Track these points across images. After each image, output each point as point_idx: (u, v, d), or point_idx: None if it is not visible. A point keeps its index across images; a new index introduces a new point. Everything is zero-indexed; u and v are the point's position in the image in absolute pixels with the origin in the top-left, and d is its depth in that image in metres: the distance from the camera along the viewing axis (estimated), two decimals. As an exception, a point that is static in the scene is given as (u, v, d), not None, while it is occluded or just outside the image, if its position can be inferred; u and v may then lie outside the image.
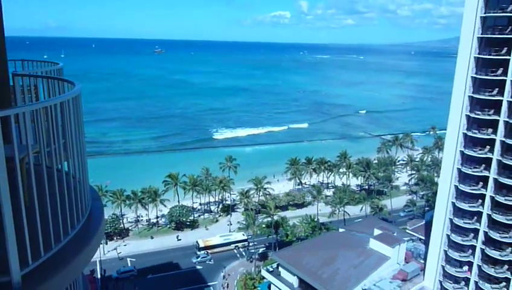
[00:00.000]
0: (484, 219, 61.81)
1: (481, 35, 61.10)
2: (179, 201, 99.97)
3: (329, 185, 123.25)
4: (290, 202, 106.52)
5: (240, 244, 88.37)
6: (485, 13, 60.45)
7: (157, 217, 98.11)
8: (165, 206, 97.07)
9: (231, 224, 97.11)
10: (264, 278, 71.97)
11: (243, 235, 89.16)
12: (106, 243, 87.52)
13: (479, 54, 61.59)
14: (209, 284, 77.33)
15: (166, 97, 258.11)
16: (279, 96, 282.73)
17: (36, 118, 4.92)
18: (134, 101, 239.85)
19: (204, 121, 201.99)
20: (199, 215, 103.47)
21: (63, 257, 4.71)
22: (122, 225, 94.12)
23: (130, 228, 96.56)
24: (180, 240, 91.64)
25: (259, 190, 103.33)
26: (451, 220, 65.67)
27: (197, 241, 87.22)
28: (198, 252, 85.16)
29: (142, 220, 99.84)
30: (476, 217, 63.23)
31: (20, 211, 4.35)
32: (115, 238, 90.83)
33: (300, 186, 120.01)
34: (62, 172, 5.26)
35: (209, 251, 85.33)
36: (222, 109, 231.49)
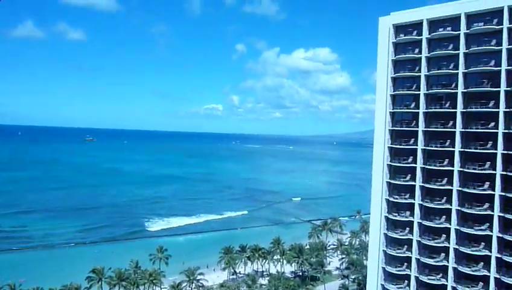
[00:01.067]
0: (412, 300, 62.94)
1: (392, 128, 67.63)
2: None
3: (264, 273, 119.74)
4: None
5: None
6: (393, 109, 67.67)
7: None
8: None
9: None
10: None
11: None
12: None
13: (391, 144, 67.57)
14: None
15: (95, 186, 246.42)
16: (213, 183, 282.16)
17: None
18: (61, 190, 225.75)
19: (136, 210, 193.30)
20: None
21: None
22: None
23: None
24: None
25: (192, 282, 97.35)
26: (382, 302, 65.99)
27: None
28: None
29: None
30: (405, 298, 64.22)
31: None
32: None
33: (234, 276, 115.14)
34: None
35: None
36: (155, 198, 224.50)
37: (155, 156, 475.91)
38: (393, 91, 67.15)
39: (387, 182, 67.57)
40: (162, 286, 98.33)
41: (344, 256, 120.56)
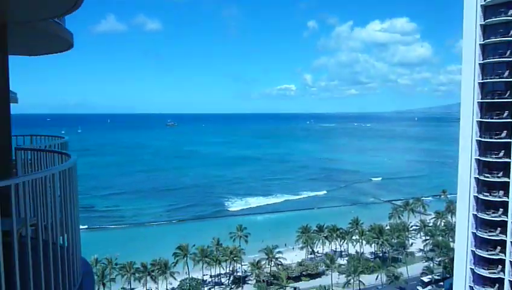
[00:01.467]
0: (506, 285, 58.45)
1: (481, 100, 62.20)
2: (188, 273, 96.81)
3: (343, 253, 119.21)
4: (303, 272, 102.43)
5: None
6: (482, 80, 62.08)
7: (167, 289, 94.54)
8: (175, 279, 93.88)
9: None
10: None
11: None
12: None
13: (481, 118, 62.27)
14: None
15: (177, 168, 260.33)
16: (289, 164, 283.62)
17: (29, 191, 4.89)
18: (147, 173, 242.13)
19: (215, 190, 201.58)
20: (209, 289, 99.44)
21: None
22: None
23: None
24: None
25: (271, 260, 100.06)
26: (471, 288, 62.19)
27: None
28: None
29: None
30: (497, 285, 59.86)
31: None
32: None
33: (312, 255, 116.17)
34: (49, 244, 5.10)
35: None
36: (233, 178, 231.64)
37: (231, 138, 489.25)
38: (483, 59, 61.42)
39: (476, 159, 62.67)
40: (242, 263, 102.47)
41: (428, 238, 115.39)
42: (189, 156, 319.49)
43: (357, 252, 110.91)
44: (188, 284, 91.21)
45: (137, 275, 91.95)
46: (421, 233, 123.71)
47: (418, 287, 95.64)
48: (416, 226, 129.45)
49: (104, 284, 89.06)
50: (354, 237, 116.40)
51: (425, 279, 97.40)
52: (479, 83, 61.54)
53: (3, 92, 7.15)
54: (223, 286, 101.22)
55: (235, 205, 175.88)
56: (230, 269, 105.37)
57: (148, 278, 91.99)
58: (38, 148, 8.20)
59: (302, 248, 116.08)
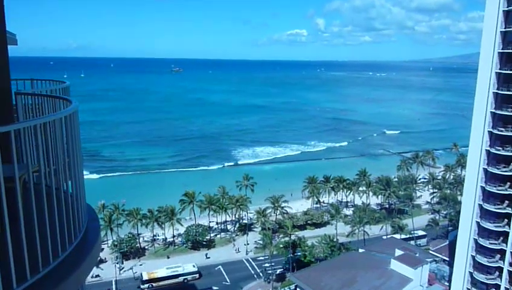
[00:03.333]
0: (511, 239, 59.73)
1: (502, 50, 60.22)
2: (195, 220, 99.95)
3: (349, 204, 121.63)
4: (308, 221, 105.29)
5: (189, 277, 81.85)
6: (505, 28, 59.70)
7: (173, 237, 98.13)
8: (182, 225, 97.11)
9: (248, 244, 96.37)
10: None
11: (193, 266, 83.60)
12: (122, 263, 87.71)
13: (500, 69, 60.61)
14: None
15: (183, 115, 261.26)
16: (298, 113, 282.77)
17: (30, 136, 4.91)
18: (152, 119, 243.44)
19: (221, 139, 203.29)
20: (215, 235, 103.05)
21: (51, 280, 4.61)
22: (138, 244, 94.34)
23: (146, 247, 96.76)
24: (209, 258, 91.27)
25: (277, 209, 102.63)
26: (476, 240, 63.70)
27: (140, 274, 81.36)
28: (142, 286, 79.18)
29: (158, 239, 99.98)
30: (502, 238, 61.17)
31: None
32: (131, 257, 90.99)
33: (318, 205, 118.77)
34: (52, 190, 5.20)
35: (155, 284, 79.39)
36: (240, 127, 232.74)
37: (238, 86, 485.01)
38: (508, 6, 58.72)
39: (491, 112, 61.79)
40: (248, 211, 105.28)
41: (436, 190, 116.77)
42: (196, 103, 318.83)
43: (363, 203, 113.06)
44: (194, 230, 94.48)
45: (144, 221, 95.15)
46: (429, 186, 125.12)
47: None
48: (425, 179, 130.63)
49: (111, 229, 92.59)
50: (360, 188, 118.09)
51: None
52: (501, 31, 59.27)
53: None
54: (229, 233, 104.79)
55: (242, 154, 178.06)
56: (236, 216, 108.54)
57: (155, 224, 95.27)
58: (39, 93, 8.15)
59: (308, 198, 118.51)
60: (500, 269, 60.94)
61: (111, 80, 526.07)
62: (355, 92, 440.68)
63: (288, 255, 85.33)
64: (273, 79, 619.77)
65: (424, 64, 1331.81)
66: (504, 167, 60.86)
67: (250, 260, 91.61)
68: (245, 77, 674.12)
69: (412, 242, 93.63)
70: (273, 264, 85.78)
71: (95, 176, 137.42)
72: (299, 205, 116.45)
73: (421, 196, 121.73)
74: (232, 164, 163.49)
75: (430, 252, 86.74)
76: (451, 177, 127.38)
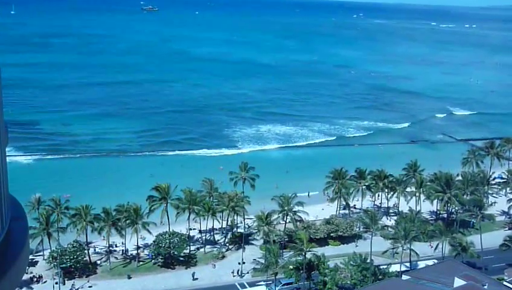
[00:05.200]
0: None
1: None
2: (169, 226, 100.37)
3: (391, 210, 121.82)
4: (331, 234, 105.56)
5: None
6: None
7: (137, 248, 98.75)
8: (150, 232, 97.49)
9: (244, 262, 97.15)
10: None
11: None
12: (64, 282, 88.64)
13: None
14: None
15: (158, 76, 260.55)
16: (320, 78, 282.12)
17: None
18: (113, 81, 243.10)
19: (211, 112, 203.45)
20: (198, 248, 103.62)
21: None
22: (87, 258, 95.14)
23: (98, 262, 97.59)
24: (196, 279, 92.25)
25: (287, 214, 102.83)
26: None
27: None
28: None
29: (116, 251, 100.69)
30: None
31: None
32: (77, 275, 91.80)
33: (346, 211, 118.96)
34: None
35: None
36: (238, 96, 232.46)
37: (238, 35, 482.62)
38: None
39: None
40: (245, 216, 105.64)
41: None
42: (176, 59, 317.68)
43: (411, 210, 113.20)
44: (167, 240, 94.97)
45: (96, 224, 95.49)
46: (507, 189, 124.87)
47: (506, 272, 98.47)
48: (502, 178, 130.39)
49: (49, 234, 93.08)
50: (408, 189, 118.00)
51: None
52: None
53: None
54: (216, 246, 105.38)
55: (240, 134, 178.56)
56: (229, 223, 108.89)
57: (112, 229, 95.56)
58: None
59: (332, 200, 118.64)
60: None
61: (55, 20, 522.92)
62: (407, 49, 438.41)
63: (301, 281, 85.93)
64: (290, 26, 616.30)
65: (501, 13, 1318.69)
66: None
67: (246, 285, 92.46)
68: (249, 21, 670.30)
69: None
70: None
71: (26, 158, 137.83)
72: (318, 210, 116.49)
73: (494, 203, 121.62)
74: (224, 149, 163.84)
75: (505, 283, 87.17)
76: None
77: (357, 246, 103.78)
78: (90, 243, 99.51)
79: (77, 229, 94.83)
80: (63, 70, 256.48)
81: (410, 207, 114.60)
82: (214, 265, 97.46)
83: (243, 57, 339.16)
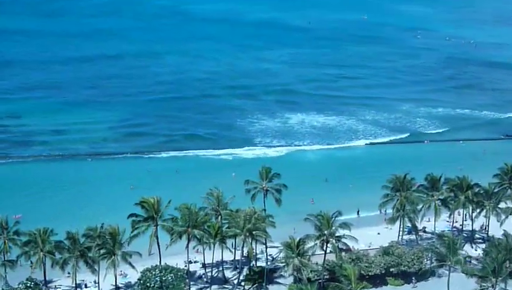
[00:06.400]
0: None
1: None
2: (160, 258, 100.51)
3: (476, 234, 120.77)
4: (391, 269, 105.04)
5: None
6: None
7: (116, 289, 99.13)
8: (133, 267, 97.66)
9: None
10: None
11: None
12: None
13: None
14: None
15: (143, 46, 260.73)
16: (374, 46, 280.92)
17: None
18: (80, 55, 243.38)
19: (219, 95, 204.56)
20: (201, 289, 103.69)
21: None
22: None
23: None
24: None
25: (327, 241, 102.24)
26: None
27: None
28: None
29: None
30: None
31: None
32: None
33: (413, 236, 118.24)
34: None
35: None
36: (255, 72, 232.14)
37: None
38: None
39: None
40: (268, 243, 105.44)
41: None
42: (170, 21, 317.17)
43: (506, 234, 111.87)
44: (157, 278, 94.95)
45: (58, 255, 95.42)
46: None
47: None
48: None
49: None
50: (502, 205, 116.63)
51: None
52: None
53: None
54: (227, 286, 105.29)
55: (260, 127, 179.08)
56: (245, 253, 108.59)
57: (80, 262, 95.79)
58: None
59: (392, 221, 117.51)
60: None
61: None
62: (503, 5, 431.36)
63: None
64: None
65: None
66: None
67: None
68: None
69: None
70: None
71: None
72: (373, 235, 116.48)
73: None
74: (237, 149, 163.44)
75: None
76: None
77: (427, 286, 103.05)
78: (51, 282, 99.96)
79: (32, 263, 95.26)
80: (9, 40, 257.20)
81: (505, 231, 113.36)
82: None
83: (263, 16, 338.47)
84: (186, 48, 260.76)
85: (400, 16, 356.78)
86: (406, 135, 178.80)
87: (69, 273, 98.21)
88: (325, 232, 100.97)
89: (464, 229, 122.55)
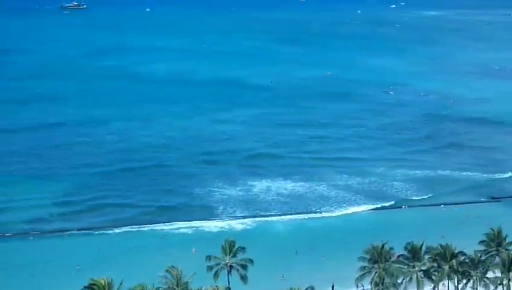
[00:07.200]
0: None
1: None
2: None
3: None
4: None
5: None
6: None
7: None
8: None
9: None
10: None
11: None
12: None
13: None
14: None
15: (86, 112, 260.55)
16: (342, 103, 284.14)
17: None
18: (9, 121, 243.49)
19: (172, 163, 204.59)
20: None
21: None
22: None
23: None
24: None
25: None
26: None
27: None
28: None
29: None
30: None
31: None
32: None
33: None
34: None
35: None
36: (212, 135, 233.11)
37: (210, 41, 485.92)
38: None
39: None
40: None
41: None
42: (115, 84, 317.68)
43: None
44: None
45: None
46: None
47: None
48: None
49: None
50: (490, 274, 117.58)
51: None
52: None
53: None
54: None
55: (221, 197, 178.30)
56: None
57: None
58: None
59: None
60: None
61: None
62: (480, 55, 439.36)
63: None
64: (291, 25, 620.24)
65: None
66: None
67: None
68: (226, 19, 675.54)
69: None
70: None
71: None
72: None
73: None
74: (196, 222, 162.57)
75: None
76: None
77: None
78: None
79: None
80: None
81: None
82: None
83: (220, 75, 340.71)
84: (135, 113, 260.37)
85: (369, 71, 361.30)
86: (382, 200, 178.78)
87: None
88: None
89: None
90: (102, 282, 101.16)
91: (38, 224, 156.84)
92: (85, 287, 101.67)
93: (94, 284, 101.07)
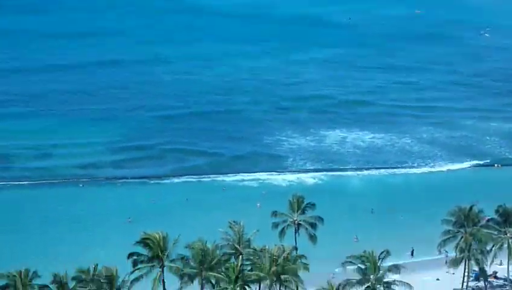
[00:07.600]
0: None
1: None
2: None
3: None
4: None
5: None
6: None
7: None
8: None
9: None
10: None
11: None
12: None
13: None
14: None
15: (143, 48, 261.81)
16: (431, 45, 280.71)
17: None
18: (65, 58, 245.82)
19: (238, 109, 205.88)
20: None
21: None
22: None
23: None
24: None
25: (373, 288, 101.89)
26: None
27: None
28: None
29: None
30: None
31: None
32: None
33: (482, 283, 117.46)
34: None
35: None
36: (284, 79, 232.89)
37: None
38: None
39: None
40: (300, 287, 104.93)
41: None
42: (176, 17, 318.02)
43: None
44: None
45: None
46: None
47: None
48: None
49: None
50: None
51: None
52: None
53: None
54: None
55: (291, 147, 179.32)
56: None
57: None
58: None
59: (455, 263, 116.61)
60: None
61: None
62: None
63: None
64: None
65: None
66: None
67: None
68: None
69: None
70: None
71: None
72: (430, 281, 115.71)
73: None
74: (263, 173, 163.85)
75: None
76: None
77: None
78: None
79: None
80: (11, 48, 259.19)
81: None
82: None
83: (294, 11, 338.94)
84: (198, 50, 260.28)
85: (463, 9, 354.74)
86: (472, 157, 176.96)
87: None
88: (371, 277, 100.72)
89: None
90: (157, 236, 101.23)
91: (90, 170, 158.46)
92: (137, 241, 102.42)
93: (147, 239, 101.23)
